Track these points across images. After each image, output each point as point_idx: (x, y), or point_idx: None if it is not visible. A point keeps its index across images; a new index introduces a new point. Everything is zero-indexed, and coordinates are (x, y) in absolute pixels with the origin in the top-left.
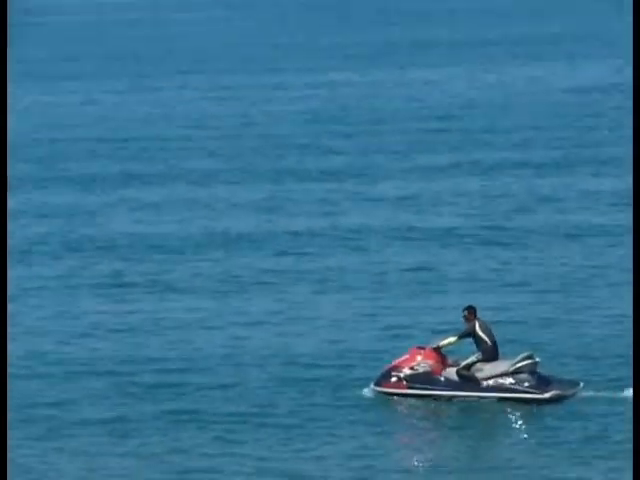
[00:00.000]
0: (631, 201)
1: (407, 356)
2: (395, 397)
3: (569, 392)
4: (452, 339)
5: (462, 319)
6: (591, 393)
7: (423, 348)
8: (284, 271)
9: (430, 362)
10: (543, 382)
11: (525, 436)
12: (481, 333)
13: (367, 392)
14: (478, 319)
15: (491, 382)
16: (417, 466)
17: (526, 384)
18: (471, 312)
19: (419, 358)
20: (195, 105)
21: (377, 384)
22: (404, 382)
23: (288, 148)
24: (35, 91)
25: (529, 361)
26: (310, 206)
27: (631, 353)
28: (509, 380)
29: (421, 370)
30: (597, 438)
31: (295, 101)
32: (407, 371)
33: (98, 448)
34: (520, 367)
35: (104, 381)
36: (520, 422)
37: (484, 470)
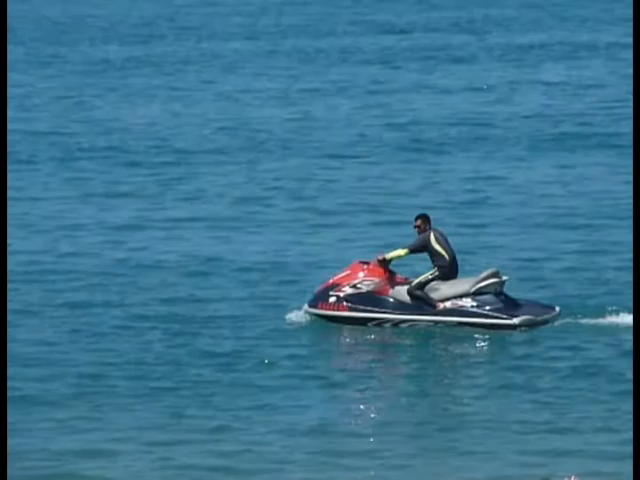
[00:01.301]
0: None
1: (348, 272)
2: (331, 321)
3: (542, 317)
4: (401, 252)
5: (414, 229)
6: (568, 320)
7: (367, 263)
8: None
9: (376, 279)
10: (511, 305)
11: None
12: (437, 246)
13: (295, 316)
14: (434, 229)
15: (449, 304)
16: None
17: (491, 307)
18: (424, 220)
19: (362, 274)
20: None
21: (312, 305)
22: (344, 303)
23: None
24: None
25: (494, 280)
26: None
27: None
28: (470, 302)
29: (365, 289)
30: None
31: None
32: (348, 290)
33: None
34: (484, 287)
35: None
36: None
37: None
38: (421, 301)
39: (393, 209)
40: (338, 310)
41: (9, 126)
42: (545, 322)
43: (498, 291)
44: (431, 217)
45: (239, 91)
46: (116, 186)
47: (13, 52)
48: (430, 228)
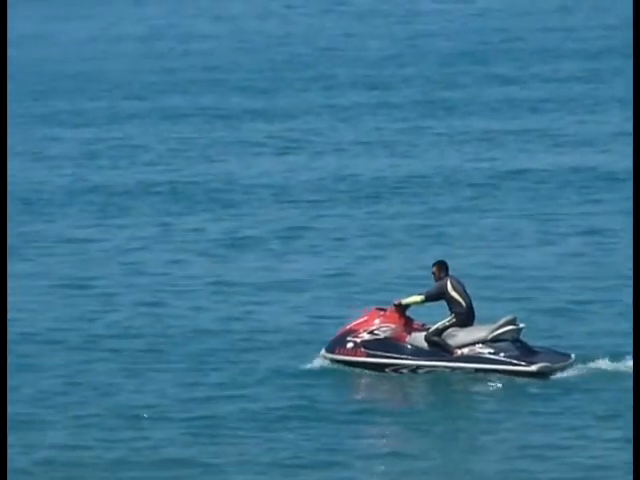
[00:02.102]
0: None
1: (365, 318)
2: (349, 366)
3: (559, 365)
4: (418, 298)
5: (431, 276)
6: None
7: (384, 309)
8: None
9: (393, 326)
10: (527, 352)
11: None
12: (454, 293)
13: (315, 362)
14: (450, 276)
15: (466, 350)
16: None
17: (508, 354)
18: (441, 267)
19: (379, 321)
20: None
21: (329, 350)
22: (362, 349)
23: None
24: None
25: (511, 327)
26: None
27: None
28: (487, 349)
29: (382, 335)
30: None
31: None
32: (365, 336)
33: None
34: (500, 334)
35: None
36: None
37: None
38: (439, 347)
39: None
40: (356, 356)
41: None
42: (561, 369)
43: (514, 338)
44: (448, 264)
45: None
46: None
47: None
48: (447, 275)
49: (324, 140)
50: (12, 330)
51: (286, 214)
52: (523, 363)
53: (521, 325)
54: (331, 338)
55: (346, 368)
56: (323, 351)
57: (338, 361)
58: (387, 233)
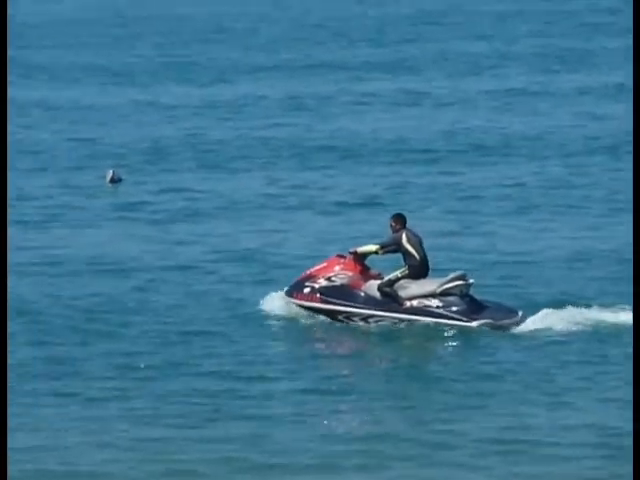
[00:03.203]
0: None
1: (324, 264)
2: (305, 310)
3: (503, 321)
4: (373, 247)
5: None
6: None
7: (344, 257)
8: None
9: (350, 273)
10: (475, 307)
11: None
12: (408, 245)
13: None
14: (407, 229)
15: (415, 303)
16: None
17: (454, 308)
18: (398, 220)
19: (338, 268)
20: None
21: (288, 293)
22: (318, 294)
23: None
24: None
25: (460, 282)
26: None
27: None
28: (435, 302)
29: (339, 282)
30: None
31: None
32: (323, 282)
33: None
34: (449, 288)
35: None
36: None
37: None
38: (390, 298)
39: None
40: (311, 301)
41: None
42: (505, 327)
43: (464, 293)
44: (406, 218)
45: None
46: None
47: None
48: (403, 228)
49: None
50: None
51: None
52: (465, 318)
53: (470, 280)
54: (292, 281)
55: (302, 312)
56: (282, 293)
57: (295, 304)
58: None
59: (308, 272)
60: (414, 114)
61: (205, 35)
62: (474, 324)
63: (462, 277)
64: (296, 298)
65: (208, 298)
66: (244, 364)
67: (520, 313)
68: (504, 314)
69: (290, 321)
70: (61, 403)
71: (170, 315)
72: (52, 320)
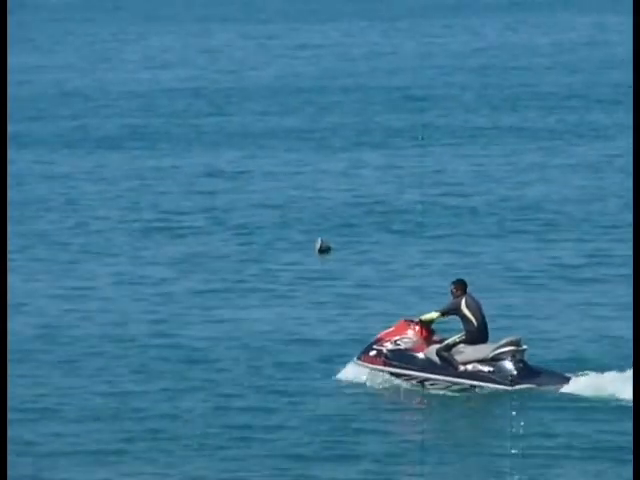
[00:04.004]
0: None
1: (393, 329)
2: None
3: (544, 387)
4: (434, 315)
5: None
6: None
7: (412, 321)
8: None
9: (414, 338)
10: (526, 373)
11: None
12: (466, 311)
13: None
14: (467, 295)
15: (470, 367)
16: None
17: (504, 373)
18: (459, 287)
19: (405, 332)
20: None
21: (359, 357)
22: (382, 358)
23: None
24: None
25: (513, 347)
26: None
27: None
28: (488, 367)
29: (403, 346)
30: None
31: None
32: (389, 345)
33: None
34: (502, 353)
35: None
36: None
37: None
38: (446, 362)
39: None
40: (375, 364)
41: None
42: (553, 391)
43: (518, 359)
44: (467, 283)
45: None
46: None
47: None
48: (464, 293)
49: None
50: None
51: None
52: (507, 382)
53: (524, 346)
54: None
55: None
56: (355, 358)
57: (363, 366)
58: None
59: (378, 336)
60: None
61: None
62: (515, 388)
63: (516, 342)
64: (364, 361)
65: None
66: None
67: (570, 380)
68: (553, 379)
69: None
70: None
71: None
72: None
